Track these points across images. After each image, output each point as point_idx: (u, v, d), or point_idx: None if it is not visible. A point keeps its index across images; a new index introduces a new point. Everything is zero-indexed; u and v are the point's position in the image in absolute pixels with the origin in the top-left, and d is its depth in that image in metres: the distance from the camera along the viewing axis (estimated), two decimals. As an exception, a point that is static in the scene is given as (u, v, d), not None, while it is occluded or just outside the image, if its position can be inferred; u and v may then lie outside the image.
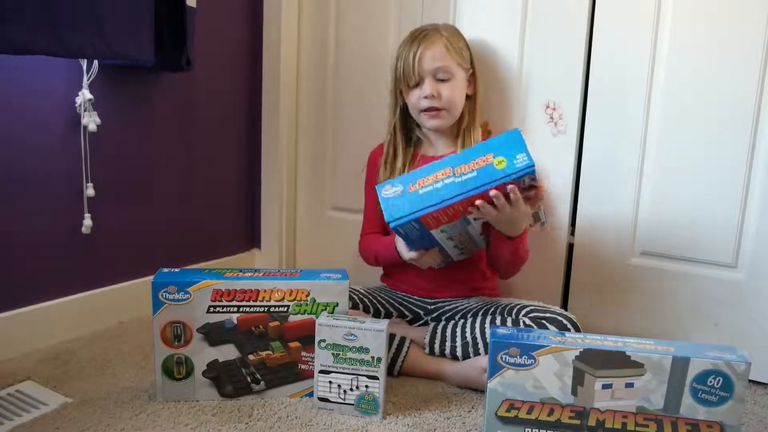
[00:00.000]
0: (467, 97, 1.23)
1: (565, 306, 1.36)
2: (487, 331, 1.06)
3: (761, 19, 1.10)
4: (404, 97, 1.22)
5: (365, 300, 1.21)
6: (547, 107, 1.31)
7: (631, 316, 1.28)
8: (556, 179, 1.32)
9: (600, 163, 1.28)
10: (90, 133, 1.20)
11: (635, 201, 1.25)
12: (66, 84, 1.17)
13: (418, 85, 1.18)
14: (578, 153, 1.30)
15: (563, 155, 1.31)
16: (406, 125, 1.27)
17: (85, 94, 1.18)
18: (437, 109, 1.17)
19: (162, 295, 0.94)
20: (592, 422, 0.78)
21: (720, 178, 1.16)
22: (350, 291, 1.08)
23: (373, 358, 0.95)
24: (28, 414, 0.93)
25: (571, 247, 1.34)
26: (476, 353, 1.06)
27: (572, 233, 1.34)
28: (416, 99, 1.19)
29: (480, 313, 1.14)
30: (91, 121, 1.19)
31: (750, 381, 1.17)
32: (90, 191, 1.22)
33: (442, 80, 1.17)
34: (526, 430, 0.79)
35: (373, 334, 0.94)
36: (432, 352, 1.11)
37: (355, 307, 1.18)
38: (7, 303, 1.13)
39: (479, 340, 1.07)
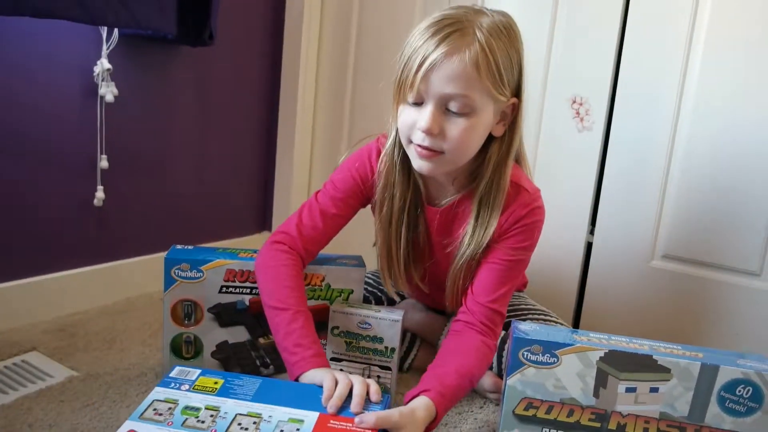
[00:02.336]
0: (490, 137, 0.84)
1: (579, 306, 1.34)
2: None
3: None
4: (395, 107, 0.83)
5: (376, 292, 1.15)
6: (574, 102, 1.28)
7: (648, 319, 1.25)
8: (579, 176, 1.29)
9: (625, 161, 1.24)
10: (107, 104, 1.18)
11: (660, 202, 1.22)
12: (84, 52, 1.15)
13: (417, 104, 0.80)
14: (603, 150, 1.27)
15: (588, 152, 1.28)
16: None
17: (103, 64, 1.15)
18: (433, 150, 0.80)
19: (174, 272, 0.92)
20: (612, 426, 0.75)
21: (748, 184, 1.13)
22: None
23: (386, 348, 0.93)
24: (34, 385, 0.92)
25: (589, 246, 1.32)
26: None
27: (591, 232, 1.31)
28: (408, 123, 0.80)
29: None
30: (108, 91, 1.16)
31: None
32: (104, 163, 1.20)
33: (455, 113, 0.78)
34: (544, 430, 0.77)
35: (388, 323, 0.92)
36: None
37: (366, 301, 1.14)
38: (15, 272, 1.11)
39: None
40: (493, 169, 0.85)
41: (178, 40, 1.22)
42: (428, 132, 0.78)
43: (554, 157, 1.31)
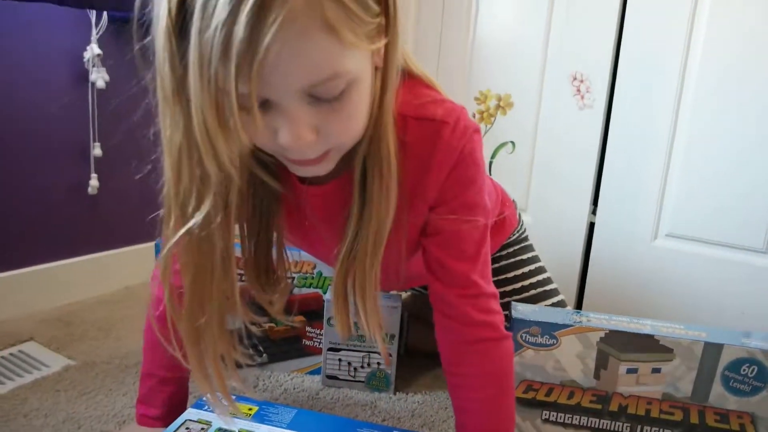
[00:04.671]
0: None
1: (582, 287, 1.32)
2: None
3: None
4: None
5: None
6: (574, 79, 1.25)
7: (651, 300, 1.23)
8: (580, 155, 1.27)
9: (627, 139, 1.22)
10: (98, 90, 1.16)
11: (663, 180, 1.19)
12: (73, 38, 1.13)
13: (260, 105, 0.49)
14: (605, 128, 1.24)
15: (589, 130, 1.25)
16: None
17: (93, 49, 1.13)
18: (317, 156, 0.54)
19: (167, 258, 0.91)
20: (614, 407, 0.74)
21: (753, 159, 1.10)
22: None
23: (386, 335, 0.91)
24: (30, 375, 0.91)
25: (591, 226, 1.29)
26: None
27: (594, 212, 1.29)
28: (263, 139, 0.52)
29: None
30: (99, 77, 1.15)
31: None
32: (97, 151, 1.18)
33: (327, 100, 0.50)
34: (544, 413, 0.76)
35: (387, 310, 0.90)
36: None
37: None
38: (12, 262, 1.11)
39: None
40: (374, 115, 0.56)
41: (168, 24, 1.20)
42: (301, 147, 0.51)
43: (555, 136, 1.29)
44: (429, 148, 0.61)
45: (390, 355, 0.92)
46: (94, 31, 1.13)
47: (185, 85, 0.46)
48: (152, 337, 0.74)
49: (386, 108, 0.56)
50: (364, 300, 0.62)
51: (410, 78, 0.63)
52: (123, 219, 1.29)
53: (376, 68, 0.55)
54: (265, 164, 0.60)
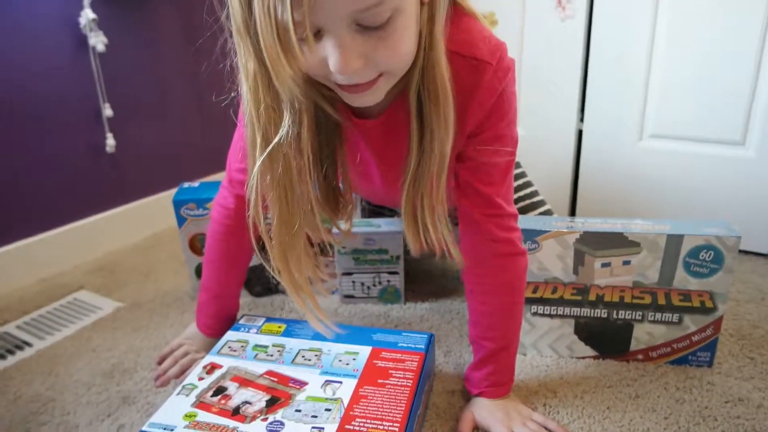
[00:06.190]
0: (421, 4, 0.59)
1: (574, 191, 1.41)
2: None
3: None
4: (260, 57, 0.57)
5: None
6: (555, -10, 1.27)
7: (641, 199, 1.32)
8: (565, 65, 1.31)
9: (609, 46, 1.25)
10: (99, 54, 1.22)
11: (645, 83, 1.24)
12: (67, 5, 1.17)
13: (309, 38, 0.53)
14: (587, 37, 1.28)
15: (572, 40, 1.28)
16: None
17: (87, 14, 1.18)
18: (368, 81, 0.58)
19: (183, 212, 1.02)
20: (592, 297, 0.85)
21: (731, 55, 1.14)
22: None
23: (392, 257, 1.02)
24: (88, 318, 1.05)
25: (580, 133, 1.36)
26: None
27: (581, 119, 1.35)
28: (315, 66, 0.57)
29: None
30: (98, 41, 1.20)
31: (754, 253, 1.22)
32: (108, 111, 1.26)
33: (374, 28, 0.54)
34: (533, 307, 0.87)
35: (390, 236, 1.00)
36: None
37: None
38: (52, 222, 1.22)
39: None
40: (425, 45, 0.60)
41: (154, -21, 1.23)
42: (349, 73, 0.55)
43: (540, 49, 1.32)
44: (471, 86, 0.65)
45: (398, 273, 1.03)
46: (85, -4, 1.17)
47: (253, 18, 0.52)
48: (211, 255, 0.87)
49: (437, 36, 0.59)
50: (434, 218, 0.68)
51: (456, 7, 0.66)
52: (142, 172, 1.39)
53: (422, 3, 0.58)
54: (326, 98, 0.66)
